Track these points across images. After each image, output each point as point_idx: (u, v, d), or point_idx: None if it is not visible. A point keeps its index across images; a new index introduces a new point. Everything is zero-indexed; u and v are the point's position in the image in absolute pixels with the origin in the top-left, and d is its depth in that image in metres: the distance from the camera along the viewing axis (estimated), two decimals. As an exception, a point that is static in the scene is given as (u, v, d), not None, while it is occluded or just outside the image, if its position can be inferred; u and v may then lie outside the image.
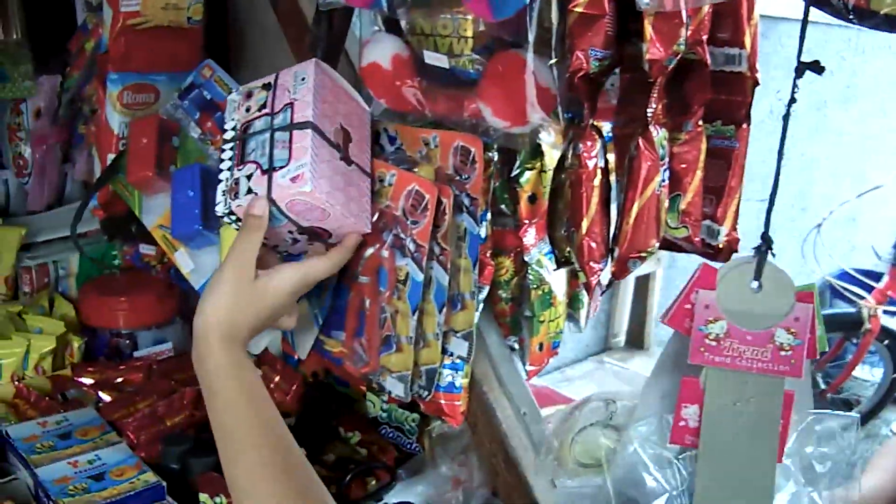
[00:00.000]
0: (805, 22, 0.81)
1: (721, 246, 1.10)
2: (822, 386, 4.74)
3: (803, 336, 0.83)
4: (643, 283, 4.05)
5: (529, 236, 1.22)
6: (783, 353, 0.84)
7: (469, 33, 1.05)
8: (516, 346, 1.31)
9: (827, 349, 1.00)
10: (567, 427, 1.11)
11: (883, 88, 5.34)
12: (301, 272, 1.05)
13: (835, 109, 5.02)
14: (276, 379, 1.58)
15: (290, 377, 1.58)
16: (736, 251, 1.11)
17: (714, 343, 0.86)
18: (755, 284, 0.84)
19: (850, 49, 5.00)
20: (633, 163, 0.97)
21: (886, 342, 4.25)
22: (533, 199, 1.21)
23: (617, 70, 1.03)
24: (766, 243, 0.83)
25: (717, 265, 0.91)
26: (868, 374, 4.77)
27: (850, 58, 4.98)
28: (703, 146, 1.07)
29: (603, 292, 1.01)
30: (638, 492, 0.97)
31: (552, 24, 0.94)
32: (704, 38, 1.03)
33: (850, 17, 0.75)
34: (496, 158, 1.15)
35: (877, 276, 4.35)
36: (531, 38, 0.95)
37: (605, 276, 1.03)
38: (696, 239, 1.08)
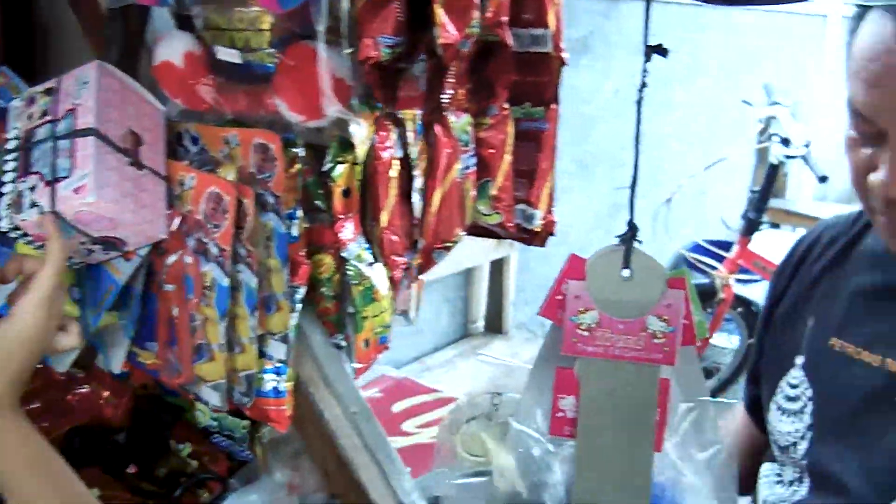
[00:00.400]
0: (649, 5, 0.79)
1: (538, 230, 1.08)
2: (682, 357, 4.84)
3: (676, 323, 0.82)
4: (498, 268, 4.04)
5: (346, 231, 1.18)
6: (656, 340, 0.83)
7: (266, 26, 1.01)
8: (343, 343, 1.28)
9: (707, 335, 1.00)
10: (454, 421, 1.09)
11: (725, 63, 5.47)
12: (32, 290, 0.98)
13: (680, 86, 5.12)
14: (106, 394, 1.52)
15: (120, 391, 1.52)
16: (552, 234, 1.09)
17: (586, 333, 0.85)
18: (625, 273, 0.82)
19: (691, 26, 5.10)
20: (432, 151, 0.95)
21: (740, 310, 4.35)
22: (347, 193, 1.17)
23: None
24: (631, 230, 0.81)
25: (584, 255, 0.89)
26: (726, 342, 4.88)
27: (691, 35, 5.09)
28: (511, 129, 1.05)
29: (409, 286, 0.98)
30: (523, 484, 0.95)
31: (342, 12, 0.91)
32: (504, 19, 1.01)
33: None
34: (302, 154, 1.10)
35: (728, 247, 4.45)
36: (321, 28, 0.92)
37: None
38: (510, 224, 1.06)
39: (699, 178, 4.58)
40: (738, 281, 4.33)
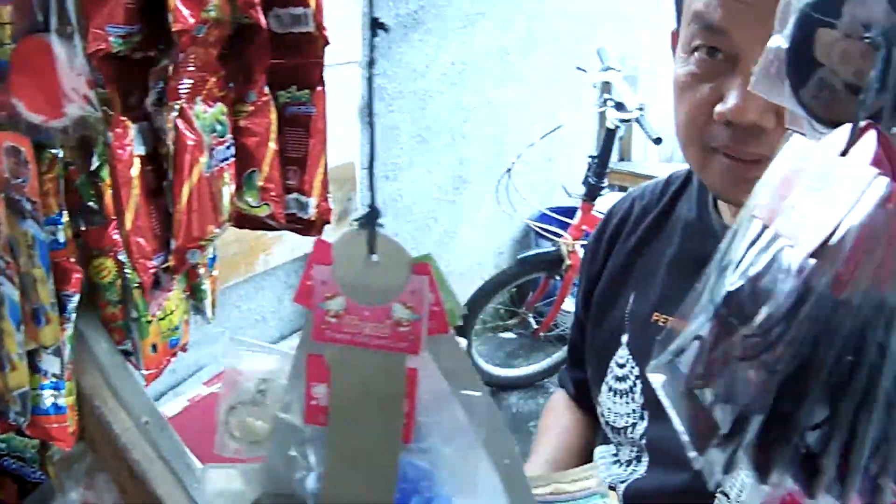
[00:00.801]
0: None
1: (312, 219, 1.04)
2: (535, 326, 4.89)
3: (421, 310, 0.78)
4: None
5: (120, 232, 1.13)
6: (402, 328, 0.78)
7: (6, 19, 0.94)
8: (131, 350, 1.22)
9: (460, 322, 0.97)
10: (221, 407, 1.03)
11: (562, 31, 5.52)
12: None
13: (517, 56, 5.14)
14: None
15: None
16: (328, 222, 1.05)
17: (334, 320, 0.80)
18: (370, 257, 0.78)
19: (525, -5, 5.13)
20: (175, 146, 0.89)
21: (587, 275, 4.39)
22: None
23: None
24: (372, 213, 0.77)
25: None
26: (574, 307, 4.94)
27: (527, 3, 5.11)
28: (273, 115, 1.00)
29: (168, 288, 0.93)
30: (287, 472, 0.91)
31: (68, 1, 0.85)
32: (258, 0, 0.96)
33: None
34: (60, 155, 1.04)
35: (572, 213, 4.50)
36: (53, 19, 0.86)
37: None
38: (282, 214, 1.01)
39: (542, 146, 4.61)
40: (583, 246, 4.39)
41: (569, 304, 4.74)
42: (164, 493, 1.15)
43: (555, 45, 5.45)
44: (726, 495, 1.29)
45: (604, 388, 1.55)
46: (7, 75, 0.95)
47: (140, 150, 0.89)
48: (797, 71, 0.65)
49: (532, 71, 5.30)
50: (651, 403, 1.45)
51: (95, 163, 1.11)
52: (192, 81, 0.90)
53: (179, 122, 0.89)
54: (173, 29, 0.85)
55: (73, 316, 1.08)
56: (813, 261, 0.59)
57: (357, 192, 3.52)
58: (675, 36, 1.40)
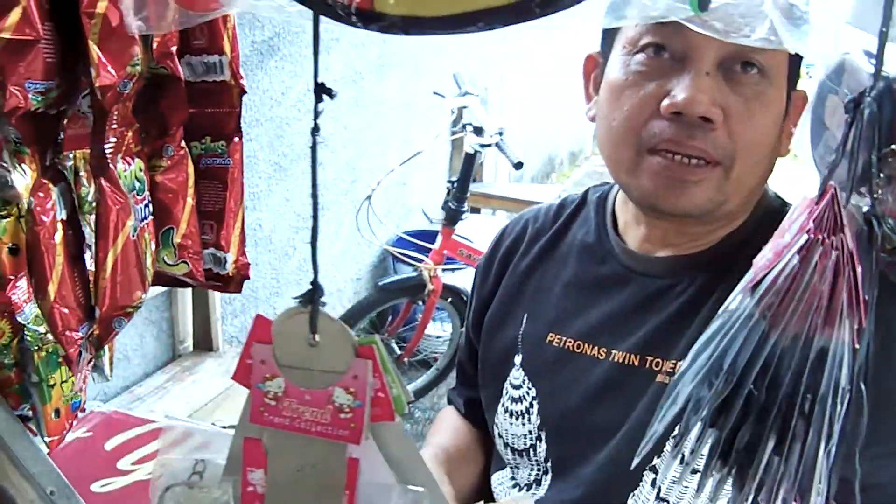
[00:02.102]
0: (316, 41, 0.71)
1: (230, 274, 1.00)
2: (398, 351, 4.86)
3: (363, 397, 0.73)
4: (202, 283, 3.90)
5: (19, 293, 1.05)
6: (343, 415, 0.74)
7: None
8: (30, 413, 1.15)
9: (406, 410, 0.93)
10: (154, 486, 0.97)
11: (414, 54, 5.53)
12: None
13: (371, 81, 5.12)
14: None
15: None
16: (247, 277, 1.01)
17: (273, 402, 0.76)
18: (311, 338, 0.74)
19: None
20: (98, 209, 0.84)
21: (450, 299, 4.41)
22: (15, 250, 1.04)
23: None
24: (315, 290, 0.72)
25: (270, 316, 0.80)
26: (440, 331, 4.95)
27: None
28: (191, 169, 0.96)
29: (91, 360, 0.87)
30: None
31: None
32: (174, 49, 0.91)
33: (355, 20, 0.66)
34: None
35: (430, 237, 4.50)
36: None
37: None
38: (200, 272, 0.96)
39: (397, 171, 4.60)
40: (445, 270, 4.39)
41: (432, 329, 4.73)
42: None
43: (408, 69, 5.45)
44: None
45: (500, 409, 1.54)
46: None
47: (62, 213, 0.84)
48: (813, 132, 0.66)
49: (386, 96, 5.28)
50: (547, 424, 1.45)
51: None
52: (115, 140, 0.85)
53: (104, 184, 0.84)
54: (97, 84, 0.80)
55: (-29, 384, 1.02)
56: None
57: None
58: (590, 60, 1.43)
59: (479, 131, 4.29)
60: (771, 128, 1.27)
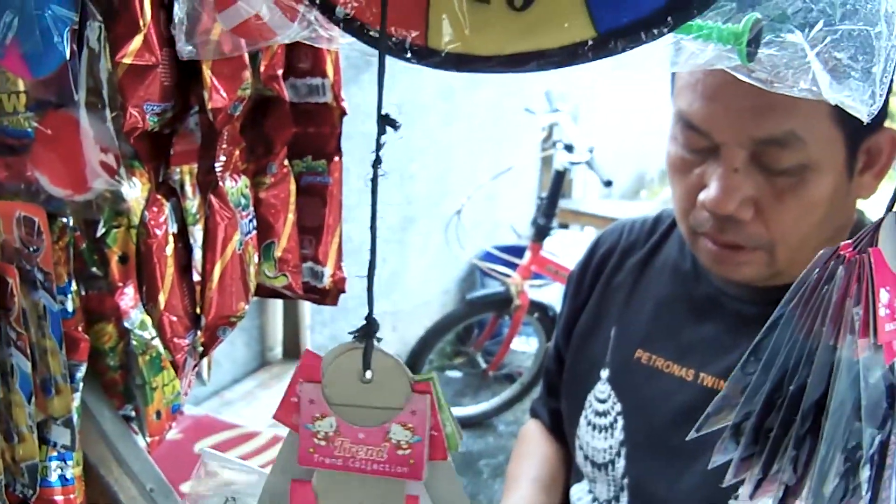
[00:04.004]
0: (382, 71, 0.73)
1: (327, 287, 1.04)
2: (483, 365, 4.89)
3: (422, 432, 0.72)
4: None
5: (126, 299, 1.11)
6: (401, 452, 0.72)
7: (21, 87, 0.93)
8: (133, 414, 1.20)
9: (458, 448, 0.93)
10: None
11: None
12: None
13: (462, 97, 5.16)
14: None
15: None
16: (343, 291, 1.05)
17: (323, 443, 0.74)
18: (364, 374, 0.73)
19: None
20: (208, 223, 0.89)
21: (536, 314, 4.42)
22: (124, 259, 1.10)
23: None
24: (370, 325, 0.71)
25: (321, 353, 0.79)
26: (525, 346, 4.96)
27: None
28: (292, 186, 1.00)
29: (195, 366, 0.91)
30: None
31: (101, 76, 0.84)
32: (280, 72, 0.96)
33: (409, 57, 0.69)
34: (71, 224, 1.03)
35: (518, 252, 4.52)
36: (81, 95, 0.85)
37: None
38: (298, 285, 1.01)
39: (487, 187, 4.63)
40: (532, 286, 4.41)
41: (517, 344, 4.76)
42: (171, 563, 1.13)
43: (499, 85, 5.49)
44: None
45: (582, 421, 1.55)
46: (28, 147, 0.94)
47: (173, 227, 0.89)
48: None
49: (476, 111, 5.32)
50: (631, 441, 1.46)
51: (101, 230, 1.11)
52: (224, 158, 0.90)
53: (214, 201, 0.89)
54: (210, 107, 0.85)
55: (81, 385, 1.07)
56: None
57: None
58: None
59: (569, 148, 4.32)
60: (817, 205, 1.25)
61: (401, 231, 4.79)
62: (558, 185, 4.32)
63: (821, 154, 1.22)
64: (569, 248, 4.84)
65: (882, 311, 0.67)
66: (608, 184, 4.23)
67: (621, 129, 7.55)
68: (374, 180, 0.70)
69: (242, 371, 3.73)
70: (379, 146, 0.68)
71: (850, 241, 0.71)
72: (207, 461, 0.86)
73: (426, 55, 0.69)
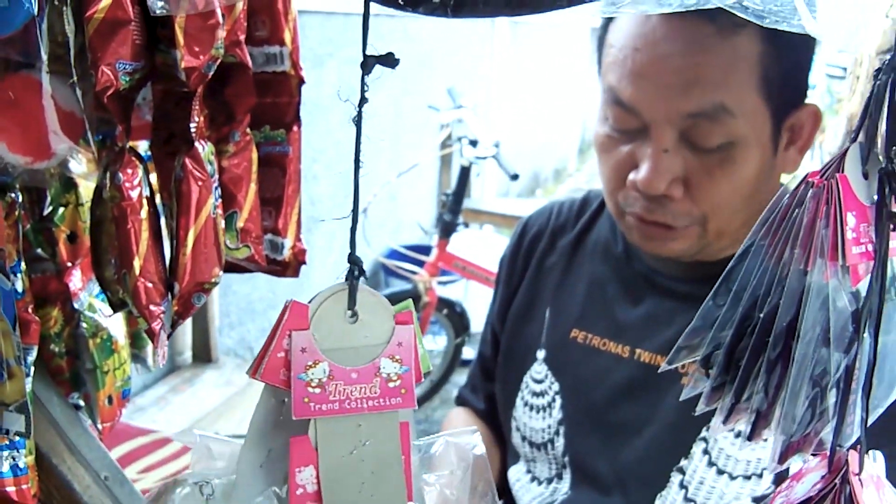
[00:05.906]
0: (367, 14, 0.72)
1: (287, 259, 1.01)
2: (392, 364, 4.88)
3: (409, 361, 0.74)
4: (200, 294, 3.90)
5: (75, 280, 1.07)
6: (391, 384, 0.74)
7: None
8: (81, 402, 1.16)
9: (431, 368, 0.92)
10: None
11: (405, 70, 5.56)
12: None
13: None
14: None
15: None
16: (304, 263, 1.02)
17: (318, 390, 0.73)
18: (350, 315, 0.73)
19: (370, 37, 5.14)
20: (182, 186, 0.85)
21: (445, 311, 4.43)
22: (73, 238, 1.06)
23: (149, 82, 0.91)
24: (355, 266, 0.72)
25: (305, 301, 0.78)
26: (433, 344, 4.97)
27: (370, 45, 5.11)
28: (254, 155, 0.97)
29: (169, 335, 0.87)
30: None
31: (67, 36, 0.81)
32: (242, 37, 0.93)
33: (402, 3, 0.68)
34: (20, 199, 0.98)
35: (423, 250, 4.52)
36: (44, 55, 0.81)
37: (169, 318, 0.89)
38: (261, 256, 0.98)
39: (390, 185, 4.62)
40: (440, 283, 4.41)
41: (426, 342, 4.75)
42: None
43: (399, 84, 5.49)
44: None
45: (518, 402, 1.55)
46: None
47: (146, 191, 0.85)
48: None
49: (377, 110, 5.30)
50: (569, 419, 1.47)
51: (49, 208, 1.06)
52: (198, 120, 0.87)
53: (189, 162, 0.85)
54: (182, 66, 0.82)
55: (32, 370, 1.02)
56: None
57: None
58: None
59: (474, 143, 4.33)
60: (746, 181, 1.28)
61: (306, 232, 4.73)
62: (464, 180, 4.34)
63: (748, 129, 1.24)
64: (471, 245, 4.85)
65: (849, 234, 0.69)
66: (515, 177, 4.26)
67: (516, 130, 7.62)
68: (359, 117, 0.78)
69: (153, 376, 3.66)
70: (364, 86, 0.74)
71: (817, 170, 0.73)
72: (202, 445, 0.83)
73: (419, 2, 0.68)
